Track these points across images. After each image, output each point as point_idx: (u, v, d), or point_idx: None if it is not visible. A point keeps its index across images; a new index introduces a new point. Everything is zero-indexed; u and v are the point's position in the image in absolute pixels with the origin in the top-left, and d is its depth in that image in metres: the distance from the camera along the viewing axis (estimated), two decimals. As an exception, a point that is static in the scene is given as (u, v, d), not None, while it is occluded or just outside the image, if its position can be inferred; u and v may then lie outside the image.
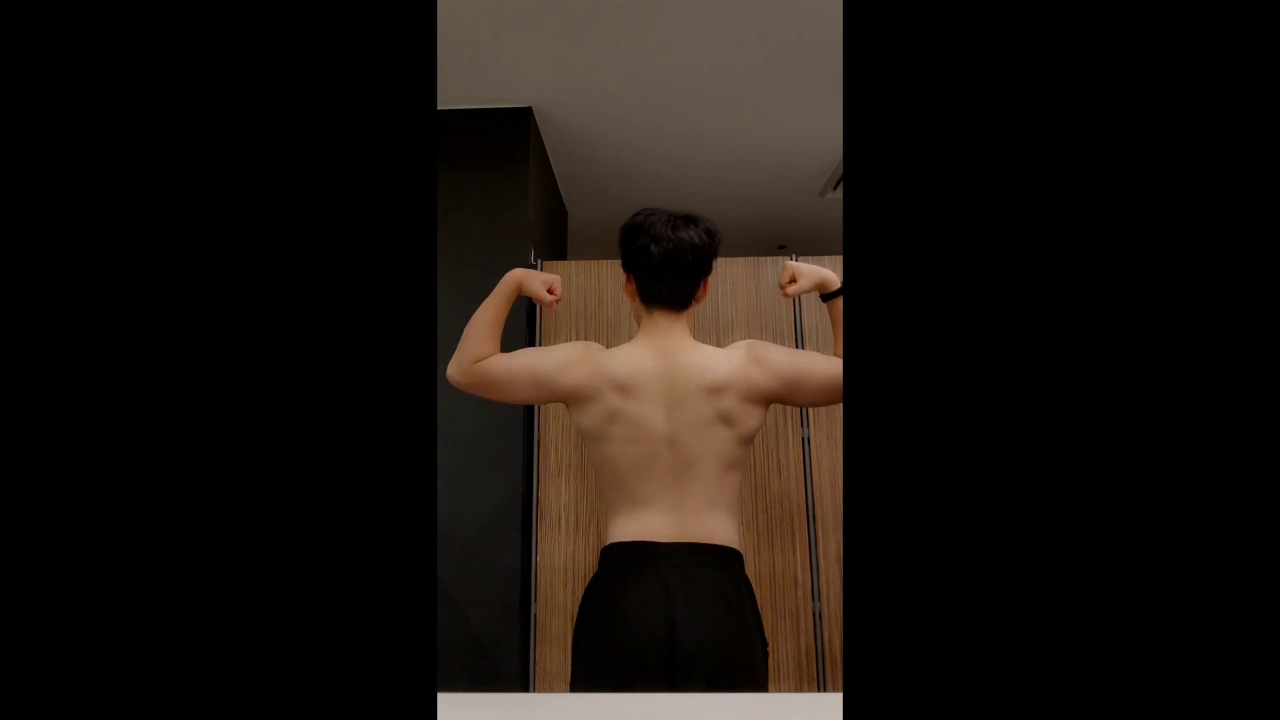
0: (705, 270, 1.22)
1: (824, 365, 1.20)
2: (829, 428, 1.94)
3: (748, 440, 1.18)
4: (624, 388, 1.15)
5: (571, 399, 1.19)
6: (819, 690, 1.79)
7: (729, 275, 2.05)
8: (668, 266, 1.17)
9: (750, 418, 1.17)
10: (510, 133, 2.18)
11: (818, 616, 1.83)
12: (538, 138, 2.31)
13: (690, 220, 1.20)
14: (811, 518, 1.89)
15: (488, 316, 1.24)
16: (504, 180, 2.13)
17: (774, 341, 1.99)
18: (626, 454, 1.15)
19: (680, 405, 1.14)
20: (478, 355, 1.22)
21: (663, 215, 1.19)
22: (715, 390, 1.15)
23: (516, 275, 1.27)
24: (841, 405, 1.93)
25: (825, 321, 2.02)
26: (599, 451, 1.18)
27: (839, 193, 2.77)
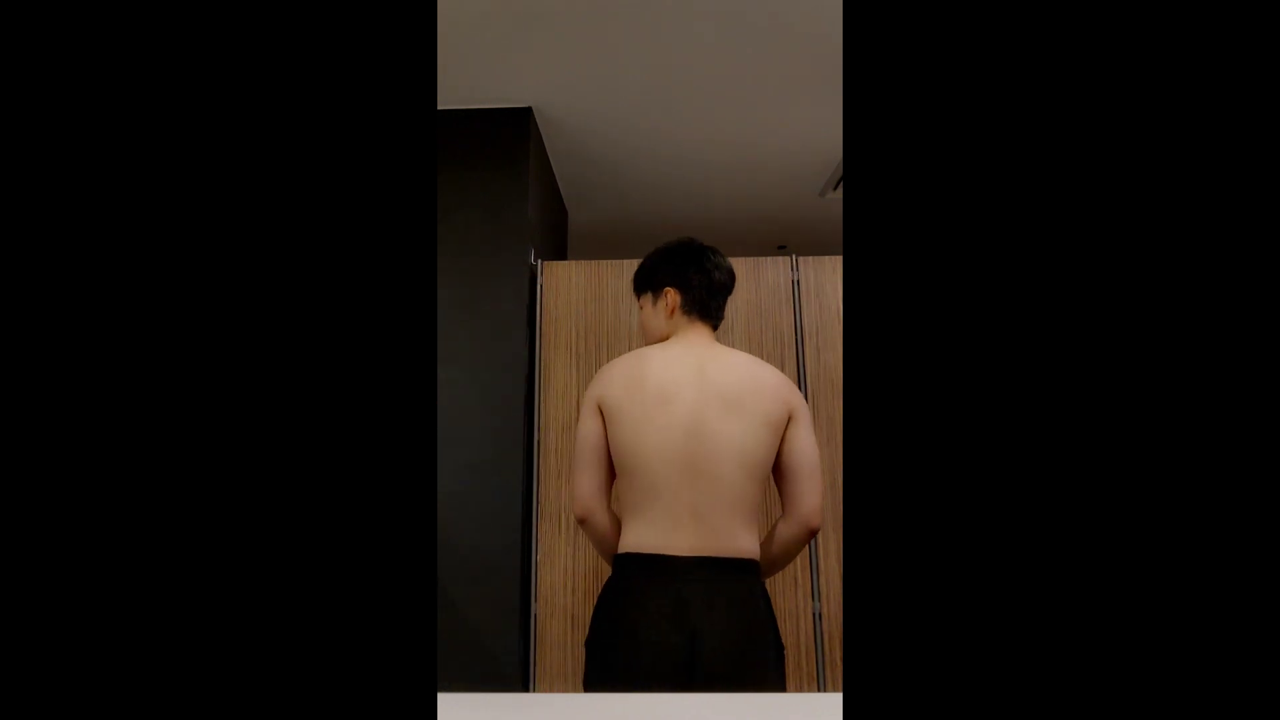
0: None
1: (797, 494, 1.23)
2: (829, 428, 1.94)
3: (775, 445, 1.22)
4: (663, 395, 1.21)
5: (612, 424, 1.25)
6: (819, 690, 1.79)
7: (729, 275, 2.05)
8: (723, 290, 1.38)
9: (776, 432, 1.22)
10: (510, 133, 2.18)
11: (817, 616, 1.83)
12: (538, 138, 2.31)
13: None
14: (811, 518, 1.89)
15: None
16: (504, 180, 2.13)
17: (774, 341, 2.01)
18: (652, 460, 1.19)
19: (710, 408, 1.20)
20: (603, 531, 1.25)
21: (706, 246, 1.38)
22: (744, 397, 1.21)
23: None
24: (841, 406, 1.93)
25: (825, 321, 2.02)
26: (621, 455, 1.22)
27: (839, 193, 2.76)
